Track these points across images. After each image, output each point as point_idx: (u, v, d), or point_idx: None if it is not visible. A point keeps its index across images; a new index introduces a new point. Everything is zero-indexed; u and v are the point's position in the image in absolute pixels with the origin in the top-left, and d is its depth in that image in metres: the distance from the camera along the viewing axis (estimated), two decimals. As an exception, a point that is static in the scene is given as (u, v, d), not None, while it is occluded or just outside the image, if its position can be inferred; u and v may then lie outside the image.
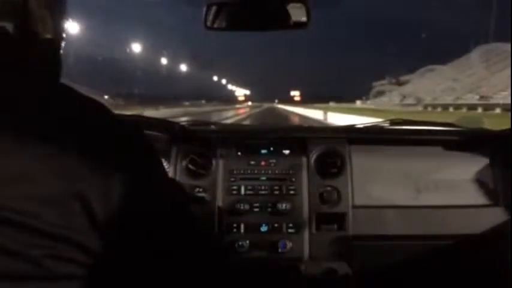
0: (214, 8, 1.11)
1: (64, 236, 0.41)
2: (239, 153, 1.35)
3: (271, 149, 1.37)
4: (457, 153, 1.38)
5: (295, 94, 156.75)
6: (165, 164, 1.35)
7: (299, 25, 1.05)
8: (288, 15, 1.05)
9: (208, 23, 1.13)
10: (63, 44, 0.56)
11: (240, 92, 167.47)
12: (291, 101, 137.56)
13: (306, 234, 1.28)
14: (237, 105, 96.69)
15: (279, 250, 1.26)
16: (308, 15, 1.04)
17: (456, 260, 1.34)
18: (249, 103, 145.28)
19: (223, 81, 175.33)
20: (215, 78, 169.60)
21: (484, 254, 1.32)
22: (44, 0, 0.51)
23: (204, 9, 1.11)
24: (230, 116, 30.89)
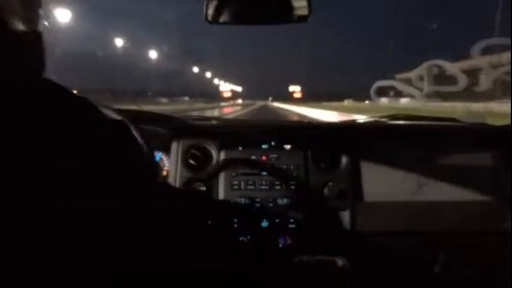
0: (215, 2, 1.10)
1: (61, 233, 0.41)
2: (240, 148, 1.35)
3: (272, 144, 1.37)
4: (458, 149, 1.38)
5: (295, 89, 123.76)
6: (165, 158, 1.35)
7: (300, 18, 1.05)
8: (289, 9, 1.04)
9: (209, 17, 1.13)
10: (43, 37, 0.54)
11: (226, 87, 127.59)
12: (290, 98, 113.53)
13: (307, 230, 1.27)
14: (224, 103, 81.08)
15: (280, 246, 1.26)
16: (309, 8, 1.03)
17: (456, 255, 1.34)
18: (240, 101, 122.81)
19: (208, 74, 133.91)
20: (195, 69, 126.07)
21: (483, 250, 1.32)
22: None
23: (205, 3, 1.10)
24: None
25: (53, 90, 0.46)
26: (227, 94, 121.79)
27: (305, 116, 22.49)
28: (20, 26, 0.50)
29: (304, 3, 1.03)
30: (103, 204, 0.45)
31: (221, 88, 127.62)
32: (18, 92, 0.43)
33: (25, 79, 0.46)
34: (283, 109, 44.77)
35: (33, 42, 0.51)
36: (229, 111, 38.22)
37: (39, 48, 0.52)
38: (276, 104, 76.36)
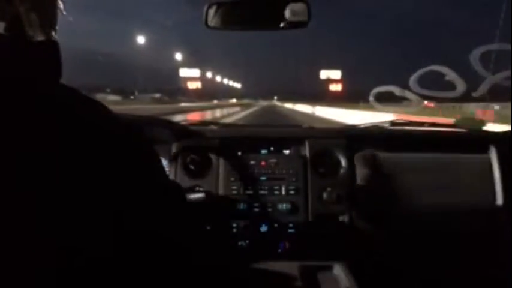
0: (214, 7, 1.11)
1: (67, 235, 0.41)
2: (239, 153, 1.35)
3: (271, 149, 1.37)
4: (457, 154, 1.38)
5: (331, 76, 62.94)
6: (165, 163, 1.35)
7: (300, 24, 1.05)
8: (289, 14, 1.05)
9: (209, 23, 1.13)
10: (58, 45, 0.55)
11: (190, 72, 70.54)
12: (321, 93, 67.49)
13: (306, 235, 1.27)
14: (198, 104, 48.40)
15: (279, 250, 1.25)
16: (309, 13, 1.04)
17: (456, 258, 1.34)
18: (234, 100, 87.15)
19: (178, 55, 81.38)
20: (141, 40, 65.37)
21: (484, 253, 1.32)
22: (31, 3, 0.51)
23: (205, 8, 1.11)
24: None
25: (74, 97, 0.48)
26: (193, 85, 70.05)
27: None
28: (39, 36, 0.52)
29: (304, 9, 1.03)
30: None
31: (182, 74, 69.97)
32: (39, 99, 0.44)
33: (46, 86, 0.47)
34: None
35: (51, 51, 0.53)
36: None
37: (56, 55, 0.54)
38: (294, 107, 40.77)
